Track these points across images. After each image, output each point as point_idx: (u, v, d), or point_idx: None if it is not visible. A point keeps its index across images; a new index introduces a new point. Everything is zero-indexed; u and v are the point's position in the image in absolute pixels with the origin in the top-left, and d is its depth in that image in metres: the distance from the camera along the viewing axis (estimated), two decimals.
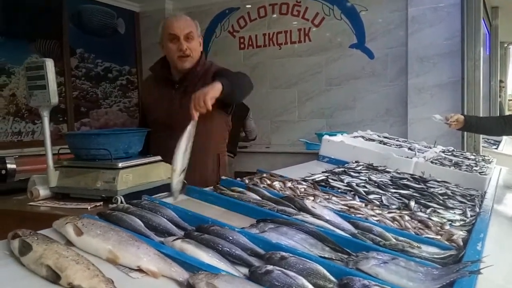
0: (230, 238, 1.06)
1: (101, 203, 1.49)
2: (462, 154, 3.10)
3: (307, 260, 0.96)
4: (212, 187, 1.56)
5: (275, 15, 4.86)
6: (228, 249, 1.00)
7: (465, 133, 3.60)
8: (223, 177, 1.65)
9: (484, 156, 3.34)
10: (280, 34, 4.83)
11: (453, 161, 2.70)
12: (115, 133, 1.63)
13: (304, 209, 1.38)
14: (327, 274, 0.92)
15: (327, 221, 1.28)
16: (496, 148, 4.66)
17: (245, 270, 0.94)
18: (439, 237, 1.34)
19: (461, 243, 1.30)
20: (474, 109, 3.58)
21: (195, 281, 0.83)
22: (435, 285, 0.94)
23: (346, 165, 2.27)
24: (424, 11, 3.91)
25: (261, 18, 4.94)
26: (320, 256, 1.04)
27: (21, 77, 4.28)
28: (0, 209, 1.61)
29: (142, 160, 1.62)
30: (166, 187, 1.57)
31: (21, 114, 4.34)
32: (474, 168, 2.52)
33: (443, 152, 3.04)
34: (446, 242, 1.30)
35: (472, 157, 3.06)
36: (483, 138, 4.04)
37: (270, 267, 0.90)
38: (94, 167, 1.54)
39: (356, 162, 2.37)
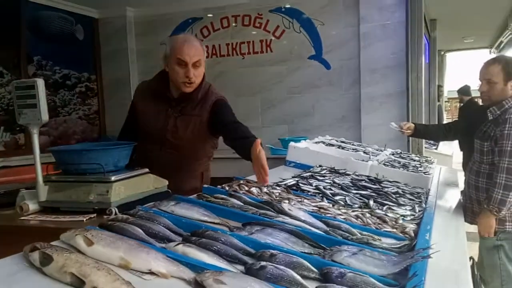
0: (224, 240, 1.18)
1: (95, 215, 1.53)
2: (408, 156, 3.38)
3: (293, 255, 1.10)
4: (196, 195, 1.67)
5: (236, 25, 4.99)
6: (224, 250, 1.12)
7: (410, 137, 3.91)
8: (205, 185, 1.77)
9: (426, 157, 3.65)
10: (243, 44, 4.97)
11: (402, 163, 2.95)
12: (107, 149, 1.68)
13: (282, 212, 1.52)
14: (310, 266, 1.08)
15: (303, 221, 1.44)
16: (436, 149, 5.08)
17: (241, 268, 1.07)
18: (394, 230, 1.53)
19: (413, 234, 1.49)
20: (417, 115, 3.90)
21: (202, 278, 0.95)
22: (395, 269, 1.12)
23: (311, 169, 2.45)
24: (374, 27, 4.20)
25: (224, 28, 5.06)
26: (302, 252, 1.20)
27: None
28: None
29: (132, 173, 1.68)
30: (153, 197, 1.66)
31: None
32: (419, 168, 2.78)
33: (393, 154, 3.30)
34: (401, 234, 1.49)
35: (417, 158, 3.35)
36: (424, 140, 4.39)
37: (263, 263, 1.04)
38: (86, 181, 1.58)
39: (319, 166, 2.56)
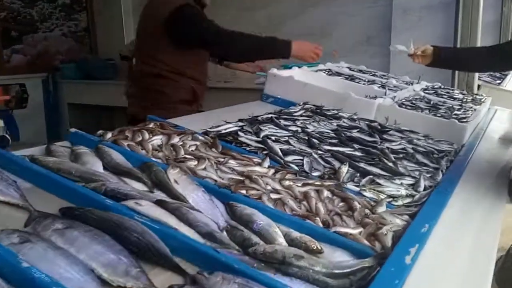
0: None
1: None
2: (448, 93, 2.62)
3: None
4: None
5: None
6: None
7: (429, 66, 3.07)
8: (72, 130, 1.18)
9: (476, 94, 2.86)
10: None
11: (432, 102, 2.24)
12: None
13: (161, 185, 0.94)
14: None
15: (190, 207, 0.84)
16: (500, 84, 4.08)
17: None
18: (358, 230, 0.90)
19: (389, 243, 0.87)
20: (470, 38, 3.02)
21: None
22: None
23: (284, 110, 1.81)
24: None
25: None
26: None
27: None
28: None
29: None
30: None
31: None
32: (456, 112, 2.06)
33: (425, 89, 2.56)
34: (365, 242, 0.87)
35: (460, 96, 2.59)
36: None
37: None
38: None
39: (304, 103, 1.92)
